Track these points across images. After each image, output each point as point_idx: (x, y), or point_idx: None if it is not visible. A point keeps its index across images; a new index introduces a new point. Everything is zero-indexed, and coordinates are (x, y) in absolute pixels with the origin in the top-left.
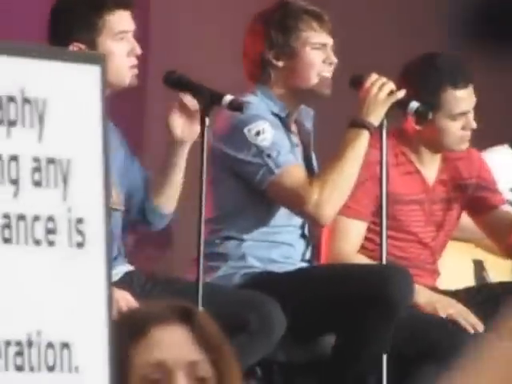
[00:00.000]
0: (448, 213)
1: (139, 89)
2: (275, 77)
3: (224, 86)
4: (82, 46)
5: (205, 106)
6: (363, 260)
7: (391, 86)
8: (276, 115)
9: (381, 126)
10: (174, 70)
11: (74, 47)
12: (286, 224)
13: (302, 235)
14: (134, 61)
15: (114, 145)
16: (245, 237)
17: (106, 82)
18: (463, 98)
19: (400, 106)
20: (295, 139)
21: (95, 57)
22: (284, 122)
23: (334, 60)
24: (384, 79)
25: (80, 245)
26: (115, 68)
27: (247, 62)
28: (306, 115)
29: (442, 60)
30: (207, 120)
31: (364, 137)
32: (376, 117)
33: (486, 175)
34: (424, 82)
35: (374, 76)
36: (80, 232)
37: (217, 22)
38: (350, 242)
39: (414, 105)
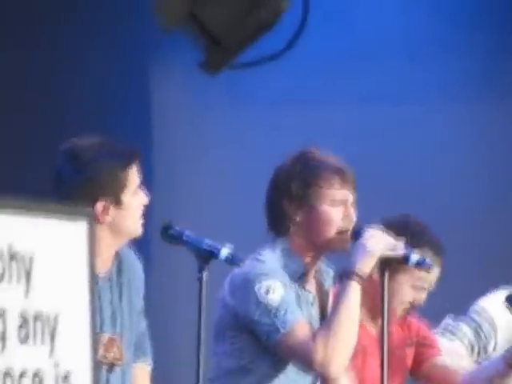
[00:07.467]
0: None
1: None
2: (293, 230)
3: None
4: (108, 203)
5: (202, 260)
6: None
7: (388, 242)
8: (292, 273)
9: (382, 276)
10: (169, 225)
11: (101, 204)
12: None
13: None
14: (143, 211)
15: (139, 292)
16: None
17: (93, 237)
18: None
19: (400, 261)
20: (311, 297)
21: (82, 212)
22: (301, 279)
23: (354, 217)
24: (382, 235)
25: None
26: (133, 220)
27: (267, 213)
28: (326, 275)
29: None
30: (204, 274)
31: (352, 287)
32: (364, 268)
33: (424, 333)
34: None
35: (371, 229)
36: None
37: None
38: None
39: (414, 258)
